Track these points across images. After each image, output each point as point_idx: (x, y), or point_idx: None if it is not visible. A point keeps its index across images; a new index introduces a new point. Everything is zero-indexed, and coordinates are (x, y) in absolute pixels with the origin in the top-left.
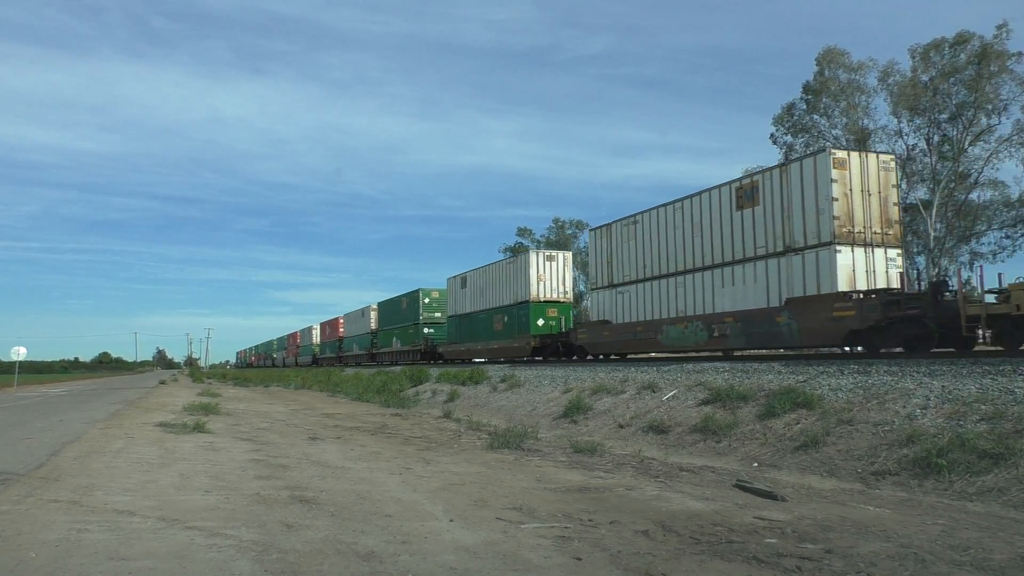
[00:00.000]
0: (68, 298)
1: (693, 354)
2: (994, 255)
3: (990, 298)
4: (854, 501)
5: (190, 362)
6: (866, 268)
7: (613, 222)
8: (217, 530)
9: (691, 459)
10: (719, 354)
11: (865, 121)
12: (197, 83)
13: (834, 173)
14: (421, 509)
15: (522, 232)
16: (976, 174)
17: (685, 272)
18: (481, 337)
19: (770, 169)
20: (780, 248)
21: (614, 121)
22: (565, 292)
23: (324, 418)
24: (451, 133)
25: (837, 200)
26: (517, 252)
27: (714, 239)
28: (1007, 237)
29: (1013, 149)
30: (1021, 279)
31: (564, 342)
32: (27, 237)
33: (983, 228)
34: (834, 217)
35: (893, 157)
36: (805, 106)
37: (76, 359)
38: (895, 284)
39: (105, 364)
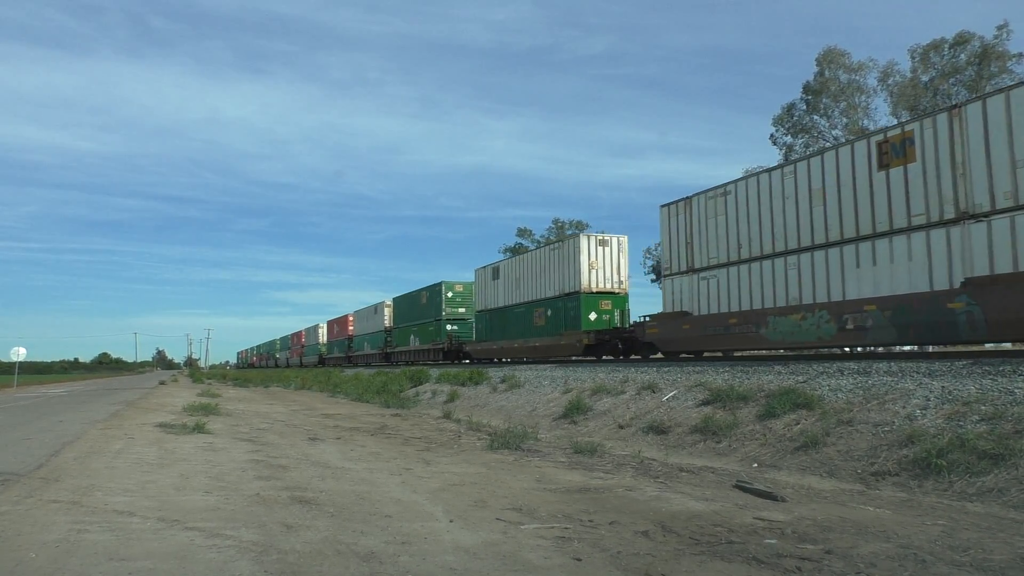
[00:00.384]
0: (68, 298)
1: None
2: None
3: None
4: (854, 502)
5: (190, 363)
6: None
7: (693, 195)
8: (217, 531)
9: (691, 460)
10: (716, 354)
11: (865, 122)
12: (197, 83)
13: None
14: (421, 510)
15: (522, 232)
16: None
17: (800, 250)
18: (518, 334)
19: (931, 115)
20: (951, 215)
21: (614, 121)
22: (620, 282)
23: (324, 418)
24: (451, 133)
25: None
26: (560, 238)
27: (844, 208)
28: None
29: None
30: None
31: (627, 337)
32: (27, 237)
33: None
34: None
35: None
36: (805, 106)
37: (76, 359)
38: None
39: (105, 364)
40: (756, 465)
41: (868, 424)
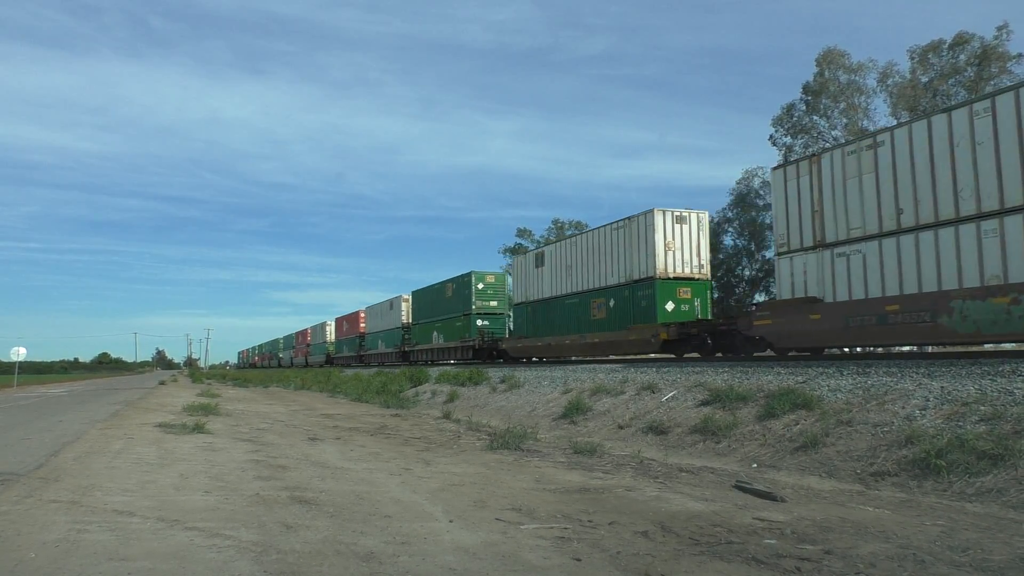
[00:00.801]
0: (68, 298)
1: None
2: None
3: None
4: (853, 502)
5: (190, 363)
6: None
7: (823, 151)
8: (217, 530)
9: (691, 460)
10: (718, 355)
11: (865, 122)
12: (197, 83)
13: None
14: (420, 510)
15: (522, 233)
16: None
17: (1002, 213)
18: (569, 328)
19: None
20: None
21: (614, 121)
22: (701, 266)
23: (323, 419)
24: (451, 134)
25: None
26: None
27: None
28: None
29: None
30: None
31: (723, 331)
32: (27, 237)
33: None
34: None
35: None
36: (805, 107)
37: (76, 359)
38: None
39: (105, 364)
40: (756, 465)
41: (867, 424)
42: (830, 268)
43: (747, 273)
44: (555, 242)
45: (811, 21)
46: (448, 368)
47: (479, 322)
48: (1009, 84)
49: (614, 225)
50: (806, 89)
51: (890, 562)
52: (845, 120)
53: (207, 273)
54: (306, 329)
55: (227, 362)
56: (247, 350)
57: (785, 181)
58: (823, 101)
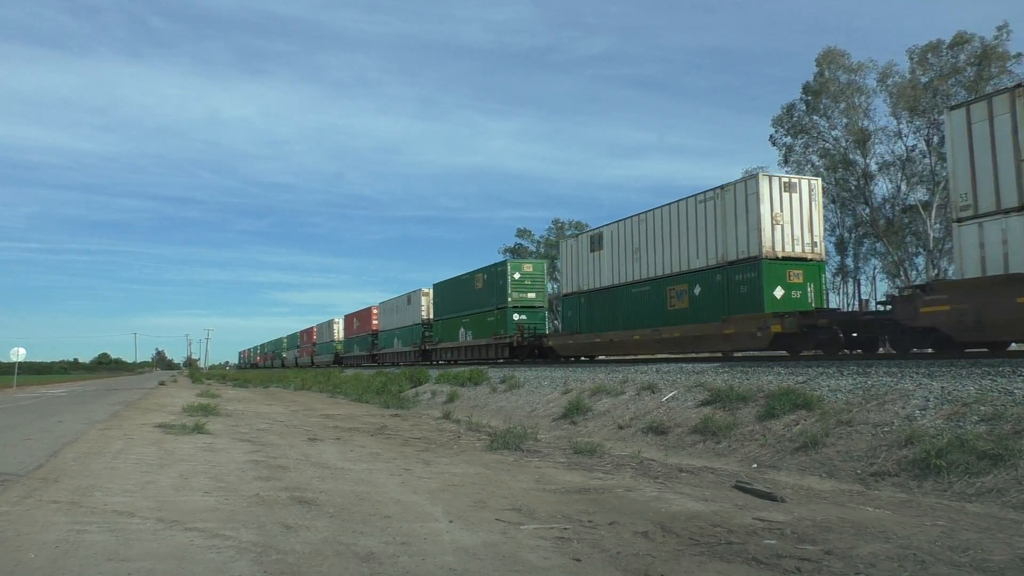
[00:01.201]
0: (67, 299)
1: (693, 355)
2: None
3: None
4: (853, 502)
5: (189, 363)
6: None
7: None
8: (216, 531)
9: (691, 460)
10: (718, 354)
11: (865, 122)
12: (196, 83)
13: None
14: (420, 510)
15: (521, 233)
16: None
17: None
18: (637, 321)
19: None
20: None
21: (614, 122)
22: (814, 244)
23: (323, 419)
24: (451, 134)
25: None
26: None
27: None
28: None
29: None
30: None
31: (865, 321)
32: (27, 237)
33: None
34: None
35: None
36: (805, 107)
37: (75, 360)
38: None
39: (104, 365)
40: (756, 465)
41: (868, 425)
42: None
43: None
44: (620, 221)
45: (811, 21)
46: (449, 369)
47: (516, 316)
48: None
49: (700, 197)
50: (806, 89)
51: (890, 562)
52: (845, 120)
53: (207, 273)
54: (312, 327)
55: (227, 362)
56: (248, 350)
57: (969, 124)
58: (823, 101)
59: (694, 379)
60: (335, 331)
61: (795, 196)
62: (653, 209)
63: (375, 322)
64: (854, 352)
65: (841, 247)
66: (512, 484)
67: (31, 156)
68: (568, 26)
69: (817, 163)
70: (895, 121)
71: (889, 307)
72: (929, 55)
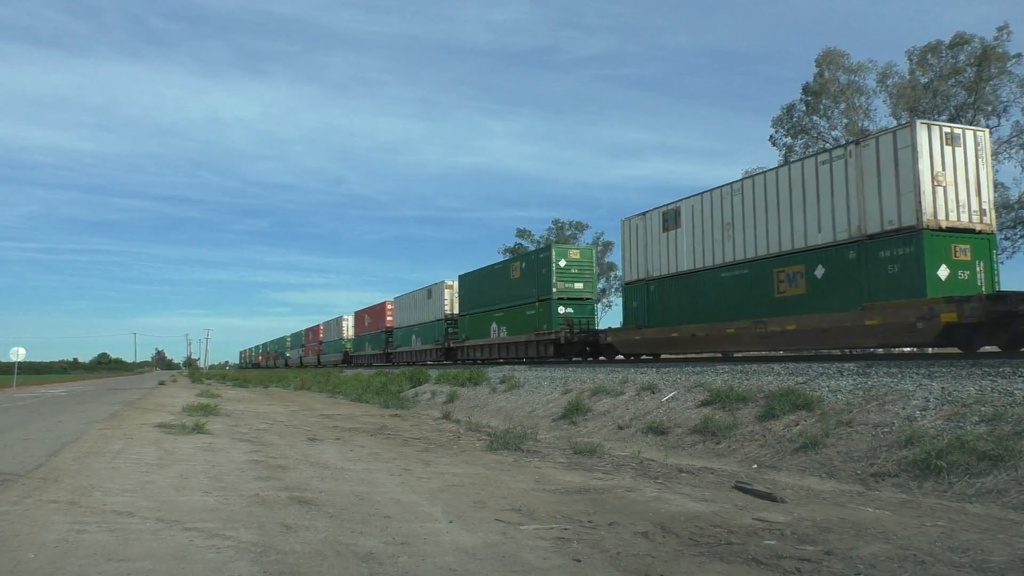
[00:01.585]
0: (67, 299)
1: (693, 355)
2: None
3: None
4: (853, 503)
5: (189, 363)
6: None
7: None
8: (216, 531)
9: (690, 460)
10: (719, 355)
11: (865, 122)
12: (196, 83)
13: None
14: (420, 510)
15: (521, 233)
16: None
17: None
18: (731, 312)
19: None
20: None
21: (614, 122)
22: (983, 211)
23: (323, 419)
24: (450, 134)
25: None
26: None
27: None
28: (1007, 239)
29: (1012, 151)
30: None
31: None
32: (26, 238)
33: None
34: None
35: None
36: (805, 107)
37: (75, 360)
38: None
39: (104, 365)
40: (756, 466)
41: (868, 425)
42: None
43: None
44: (703, 192)
45: (811, 21)
46: (449, 369)
47: (561, 309)
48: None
49: (823, 157)
50: (806, 90)
51: (890, 563)
52: (845, 120)
53: (207, 273)
54: (318, 325)
55: (227, 362)
56: (249, 350)
57: None
58: (823, 101)
59: (694, 379)
60: (344, 329)
61: (959, 152)
62: (752, 175)
63: (389, 318)
64: None
65: None
66: (512, 484)
67: (31, 156)
68: (568, 26)
69: None
70: (895, 122)
71: None
72: (929, 56)
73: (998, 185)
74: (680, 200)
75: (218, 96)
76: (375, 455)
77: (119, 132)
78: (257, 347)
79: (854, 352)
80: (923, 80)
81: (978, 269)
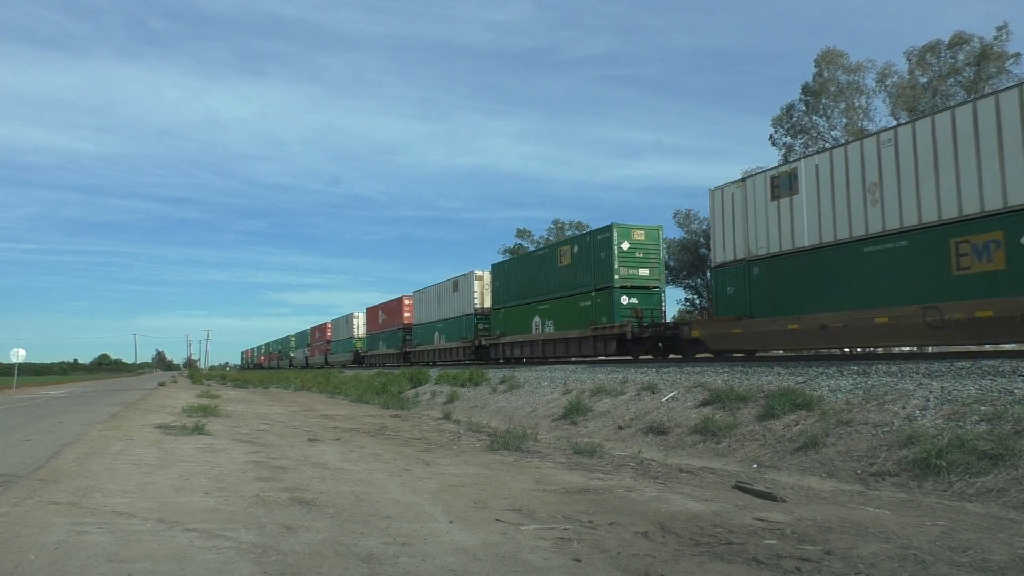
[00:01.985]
0: (67, 300)
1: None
2: None
3: None
4: (853, 502)
5: (189, 364)
6: None
7: None
8: (216, 532)
9: (691, 460)
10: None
11: (865, 122)
12: (196, 84)
13: None
14: (421, 511)
15: (521, 233)
16: None
17: None
18: (878, 296)
19: None
20: None
21: (613, 122)
22: None
23: (323, 420)
24: (450, 134)
25: None
26: None
27: None
28: None
29: None
30: None
31: None
32: (26, 239)
33: None
34: None
35: None
36: (804, 107)
37: (75, 361)
38: None
39: (104, 366)
40: (756, 466)
41: (868, 425)
42: None
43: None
44: (819, 151)
45: (811, 21)
46: (449, 370)
47: (624, 299)
48: None
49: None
50: (806, 89)
51: (890, 562)
52: (845, 120)
53: (206, 274)
54: (325, 323)
55: (227, 363)
56: (251, 350)
57: None
58: (823, 101)
59: (694, 379)
60: (355, 327)
61: None
62: (911, 121)
63: (407, 315)
64: None
65: None
66: (512, 484)
67: (30, 157)
68: (568, 26)
69: None
70: (895, 121)
71: None
72: (928, 55)
73: None
74: (795, 160)
75: (217, 96)
76: (375, 455)
77: (119, 133)
78: (259, 347)
79: (853, 352)
80: (922, 79)
81: None
